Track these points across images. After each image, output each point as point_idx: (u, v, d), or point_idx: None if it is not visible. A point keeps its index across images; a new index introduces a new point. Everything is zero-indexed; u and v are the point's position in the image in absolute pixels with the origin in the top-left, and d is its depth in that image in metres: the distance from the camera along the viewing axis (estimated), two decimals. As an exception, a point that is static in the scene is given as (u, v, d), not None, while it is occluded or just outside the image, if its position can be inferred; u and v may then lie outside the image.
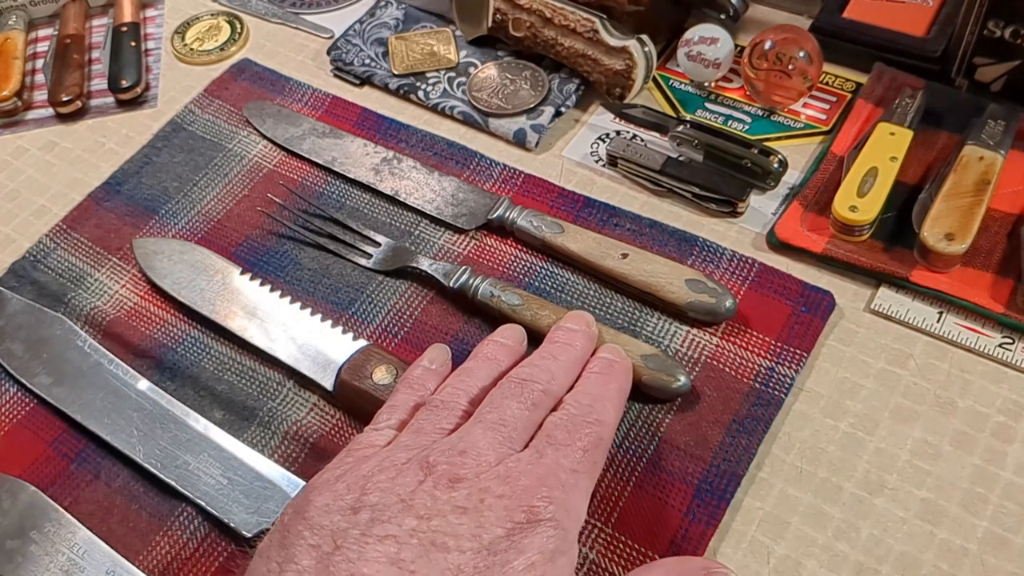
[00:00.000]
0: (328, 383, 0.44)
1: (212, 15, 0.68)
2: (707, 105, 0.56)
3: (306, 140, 0.57)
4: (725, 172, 0.51)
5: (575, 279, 0.49)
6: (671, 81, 0.58)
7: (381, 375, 0.43)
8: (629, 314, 0.47)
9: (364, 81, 0.61)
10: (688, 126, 0.52)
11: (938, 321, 0.45)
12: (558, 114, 0.56)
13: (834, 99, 0.55)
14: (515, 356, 0.41)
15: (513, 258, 0.50)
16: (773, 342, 0.45)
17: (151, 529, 0.42)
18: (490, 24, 0.59)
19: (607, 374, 0.39)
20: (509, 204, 0.51)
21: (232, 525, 0.40)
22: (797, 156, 0.53)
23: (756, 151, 0.50)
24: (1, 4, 0.69)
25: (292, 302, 0.48)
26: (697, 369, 0.44)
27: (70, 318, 0.50)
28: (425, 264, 0.49)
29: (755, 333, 0.45)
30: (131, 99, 0.63)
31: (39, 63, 0.67)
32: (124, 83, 0.62)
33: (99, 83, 0.64)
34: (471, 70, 0.59)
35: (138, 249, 0.52)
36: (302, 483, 0.41)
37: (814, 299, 0.46)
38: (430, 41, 0.62)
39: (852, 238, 0.47)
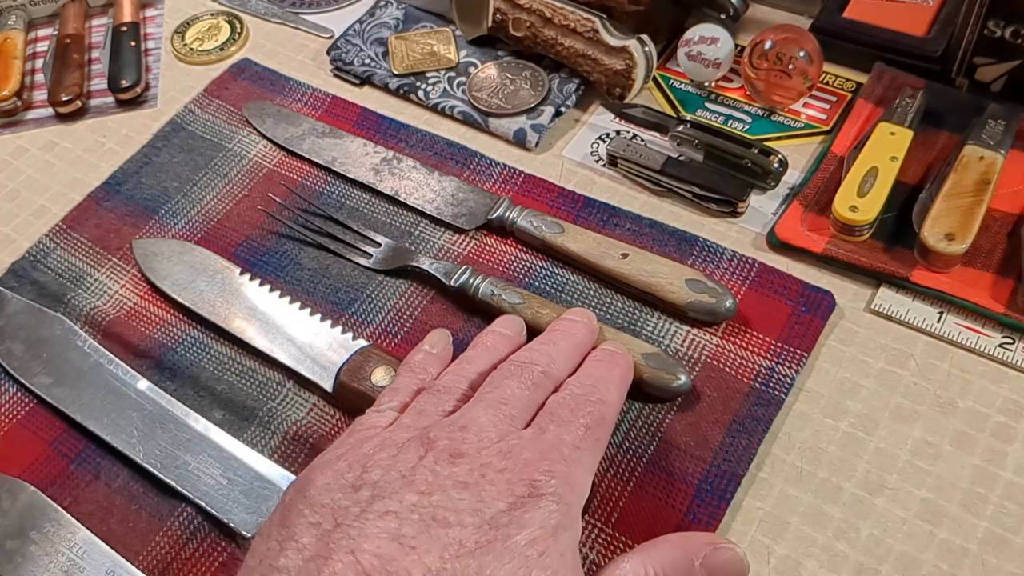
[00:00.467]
0: (327, 384, 0.44)
1: (212, 15, 0.68)
2: (707, 105, 0.56)
3: (306, 140, 0.57)
4: (725, 172, 0.51)
5: (575, 279, 0.49)
6: (671, 81, 0.58)
7: (380, 376, 0.43)
8: (629, 314, 0.47)
9: (364, 81, 0.61)
10: (688, 126, 0.52)
11: (938, 321, 0.45)
12: (558, 114, 0.56)
13: (834, 99, 0.55)
14: (515, 346, 0.41)
15: (513, 258, 0.50)
16: (773, 342, 0.44)
17: (151, 529, 0.42)
18: (490, 24, 0.59)
19: (609, 361, 0.39)
20: (509, 204, 0.51)
21: (232, 525, 0.40)
22: (797, 156, 0.53)
23: (756, 151, 0.50)
24: (1, 4, 0.69)
25: (292, 302, 0.48)
26: (697, 369, 0.44)
27: (70, 318, 0.50)
28: (426, 263, 0.49)
29: (755, 333, 0.45)
30: (131, 99, 0.63)
31: (39, 63, 0.67)
32: (124, 83, 0.62)
33: (99, 83, 0.64)
34: (471, 70, 0.59)
35: (138, 250, 0.52)
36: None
37: (814, 299, 0.46)
38: (430, 41, 0.62)
39: (852, 238, 0.47)
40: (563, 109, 0.56)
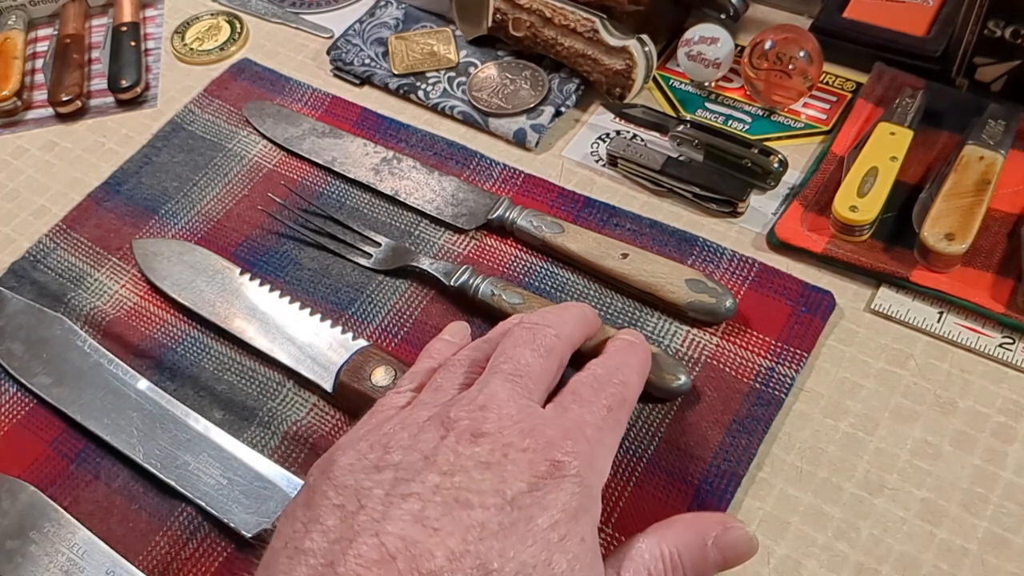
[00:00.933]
0: (327, 384, 0.44)
1: (212, 15, 0.68)
2: (707, 105, 0.56)
3: (306, 140, 0.57)
4: (725, 172, 0.51)
5: (575, 279, 0.49)
6: (671, 81, 0.58)
7: (380, 376, 0.43)
8: (629, 314, 0.47)
9: (364, 81, 0.61)
10: (688, 126, 0.52)
11: (938, 321, 0.45)
12: (558, 114, 0.56)
13: (834, 99, 0.55)
14: None
15: (513, 258, 0.50)
16: (773, 342, 0.44)
17: (151, 529, 0.42)
18: (490, 24, 0.59)
19: (630, 348, 0.40)
20: (509, 204, 0.51)
21: (232, 525, 0.40)
22: (797, 156, 0.53)
23: (756, 151, 0.50)
24: (1, 4, 0.69)
25: (292, 302, 0.48)
26: (697, 369, 0.44)
27: (70, 318, 0.50)
28: (425, 263, 0.49)
29: (755, 333, 0.45)
30: (131, 99, 0.63)
31: (39, 63, 0.67)
32: (124, 83, 0.62)
33: (99, 83, 0.64)
34: (471, 70, 0.59)
35: (138, 250, 0.52)
36: (302, 483, 0.41)
37: (814, 299, 0.46)
38: (430, 41, 0.62)
39: (852, 238, 0.47)
40: (563, 109, 0.56)
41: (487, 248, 0.51)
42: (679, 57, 0.56)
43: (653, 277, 0.46)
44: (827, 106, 0.55)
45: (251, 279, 0.49)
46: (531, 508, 0.30)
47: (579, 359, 0.41)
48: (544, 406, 0.35)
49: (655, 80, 0.58)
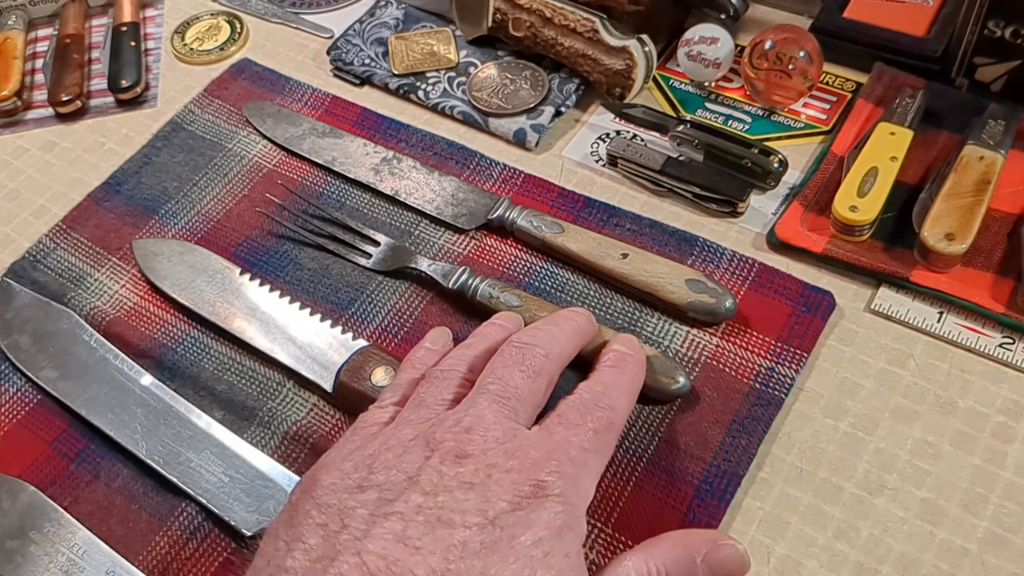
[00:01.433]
0: (327, 384, 0.44)
1: (212, 15, 0.68)
2: (707, 105, 0.56)
3: (306, 140, 0.57)
4: (725, 172, 0.51)
5: (575, 279, 0.49)
6: (671, 81, 0.58)
7: (380, 376, 0.43)
8: (629, 314, 0.47)
9: (364, 81, 0.61)
10: (688, 126, 0.52)
11: (938, 321, 0.45)
12: (558, 114, 0.56)
13: (834, 99, 0.55)
14: None
15: (513, 258, 0.50)
16: (773, 342, 0.44)
17: (151, 529, 0.42)
18: (490, 24, 0.59)
19: (620, 367, 0.39)
20: (509, 204, 0.51)
21: (232, 523, 0.41)
22: (797, 156, 0.53)
23: (756, 151, 0.50)
24: (1, 4, 0.69)
25: (292, 302, 0.48)
26: (697, 369, 0.44)
27: (70, 318, 0.50)
28: (424, 264, 0.49)
29: (755, 333, 0.45)
30: (131, 99, 0.63)
31: (39, 63, 0.67)
32: (124, 83, 0.62)
33: (99, 83, 0.64)
34: (471, 70, 0.59)
35: (138, 250, 0.52)
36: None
37: (814, 299, 0.46)
38: (430, 41, 0.62)
39: (852, 238, 0.47)
40: (563, 109, 0.56)
41: (487, 248, 0.51)
42: (679, 57, 0.56)
43: (653, 277, 0.46)
44: (827, 106, 0.55)
45: (251, 279, 0.49)
46: (514, 527, 0.30)
47: (576, 361, 0.41)
48: (531, 427, 0.35)
49: (655, 80, 0.58)
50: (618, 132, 0.56)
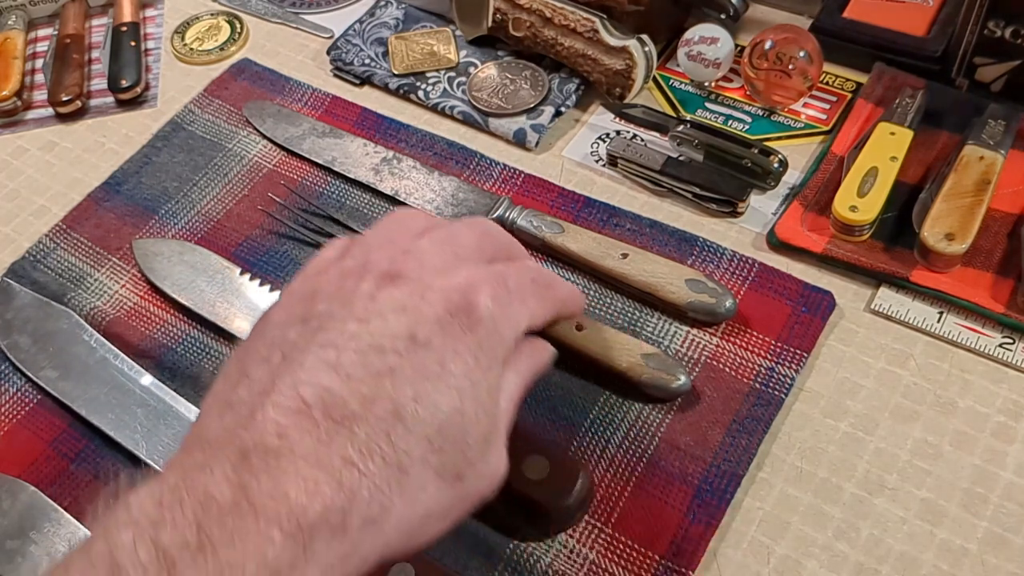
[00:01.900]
0: (328, 383, 0.44)
1: (212, 15, 0.68)
2: (707, 105, 0.56)
3: (306, 140, 0.57)
4: (725, 172, 0.51)
5: (575, 279, 0.49)
6: (671, 81, 0.58)
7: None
8: (629, 314, 0.47)
9: (364, 81, 0.61)
10: (688, 126, 0.52)
11: (938, 321, 0.45)
12: (558, 114, 0.56)
13: (834, 99, 0.55)
14: None
15: (513, 258, 0.50)
16: (773, 342, 0.44)
17: (151, 529, 0.42)
18: (490, 24, 0.59)
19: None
20: (509, 204, 0.51)
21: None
22: (797, 156, 0.53)
23: (756, 151, 0.50)
24: (1, 4, 0.69)
25: (292, 302, 0.48)
26: (697, 369, 0.44)
27: (70, 318, 0.50)
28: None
29: (755, 333, 0.45)
30: (131, 99, 0.63)
31: (39, 63, 0.67)
32: (124, 83, 0.62)
33: (99, 83, 0.64)
34: (471, 70, 0.59)
35: (138, 250, 0.52)
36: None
37: (814, 299, 0.46)
38: (430, 41, 0.62)
39: (852, 238, 0.47)
40: (563, 109, 0.56)
41: (487, 248, 0.51)
42: (679, 57, 0.56)
43: (653, 277, 0.46)
44: (827, 106, 0.55)
45: (251, 279, 0.49)
46: (443, 351, 0.30)
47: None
48: None
49: (655, 80, 0.58)
50: (618, 132, 0.56)
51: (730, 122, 0.55)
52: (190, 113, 0.60)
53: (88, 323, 0.50)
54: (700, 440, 0.42)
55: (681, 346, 0.45)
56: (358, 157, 0.56)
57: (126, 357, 0.47)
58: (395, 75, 0.60)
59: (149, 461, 0.43)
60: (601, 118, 0.57)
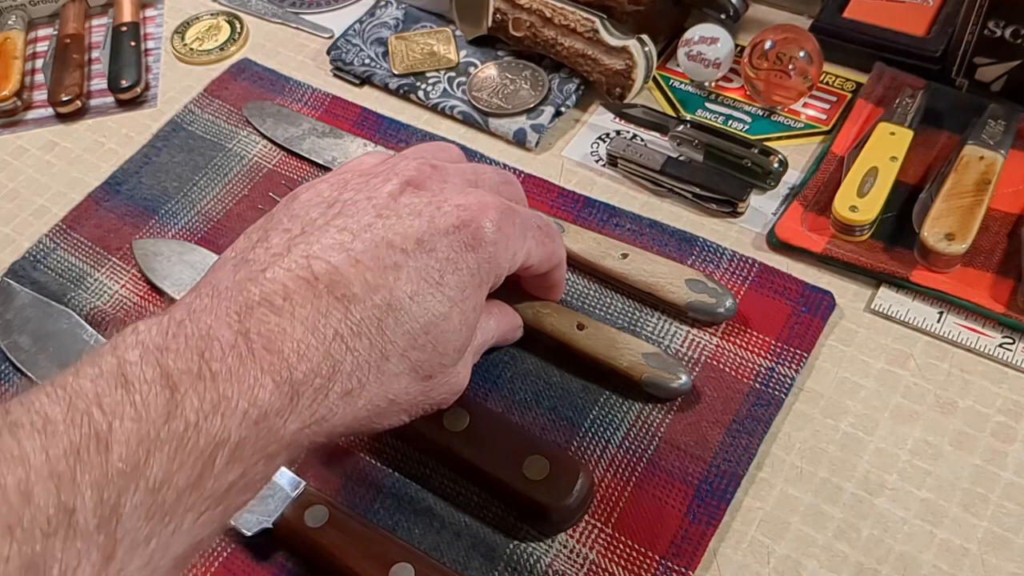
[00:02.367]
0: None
1: (212, 15, 0.68)
2: (707, 105, 0.56)
3: (306, 140, 0.57)
4: (725, 172, 0.51)
5: (575, 279, 0.49)
6: (671, 81, 0.58)
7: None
8: (629, 314, 0.47)
9: (364, 81, 0.61)
10: (688, 126, 0.52)
11: (938, 321, 0.45)
12: (558, 114, 0.56)
13: (834, 99, 0.55)
14: None
15: (513, 258, 0.50)
16: (773, 342, 0.44)
17: (151, 529, 0.42)
18: (490, 24, 0.59)
19: None
20: (509, 204, 0.51)
21: (232, 523, 0.40)
22: (797, 156, 0.53)
23: (756, 151, 0.50)
24: (1, 4, 0.69)
25: (292, 302, 0.48)
26: (697, 369, 0.44)
27: (70, 318, 0.50)
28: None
29: (755, 333, 0.45)
30: (131, 99, 0.63)
31: (39, 63, 0.67)
32: (124, 83, 0.62)
33: (99, 83, 0.64)
34: (471, 70, 0.59)
35: (138, 250, 0.52)
36: (303, 482, 0.41)
37: (814, 299, 0.46)
38: (430, 41, 0.62)
39: (852, 238, 0.47)
40: (563, 109, 0.56)
41: (487, 248, 0.51)
42: (679, 57, 0.56)
43: (653, 277, 0.46)
44: (827, 106, 0.55)
45: (251, 279, 0.49)
46: (445, 261, 0.34)
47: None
48: None
49: (655, 80, 0.58)
50: (618, 132, 0.56)
51: (730, 122, 0.55)
52: (190, 113, 0.60)
53: (88, 323, 0.50)
54: (700, 440, 0.42)
55: (681, 346, 0.45)
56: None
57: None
58: (395, 75, 0.60)
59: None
60: (601, 118, 0.57)
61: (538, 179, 0.53)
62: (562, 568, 0.39)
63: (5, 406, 0.27)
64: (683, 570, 0.38)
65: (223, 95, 0.61)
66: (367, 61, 0.61)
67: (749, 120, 0.55)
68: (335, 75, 0.62)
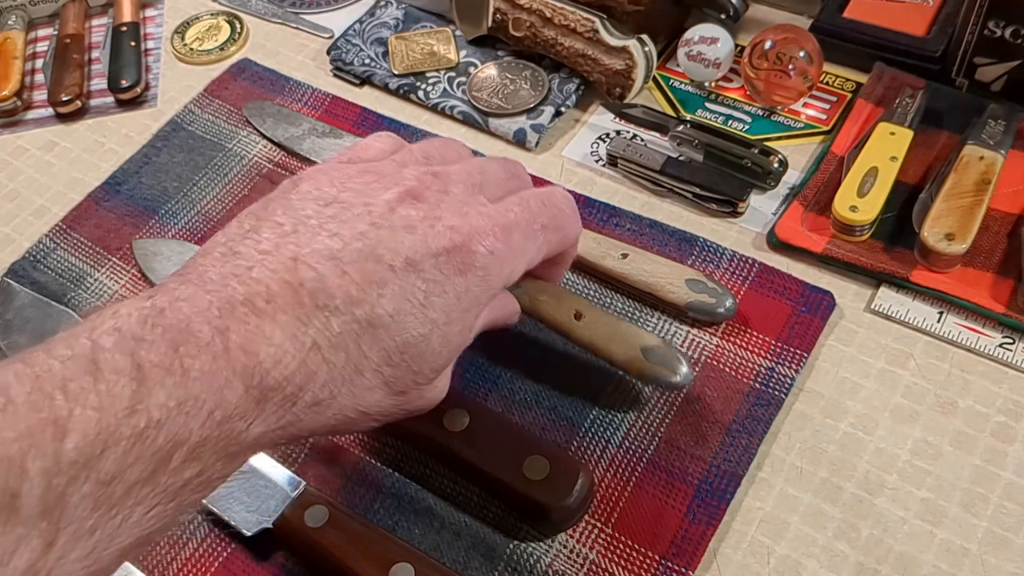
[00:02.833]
0: (328, 383, 0.44)
1: (212, 15, 0.68)
2: (707, 105, 0.56)
3: (306, 140, 0.57)
4: (725, 172, 0.51)
5: (575, 279, 0.49)
6: (671, 81, 0.58)
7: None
8: (629, 314, 0.47)
9: (364, 81, 0.61)
10: (688, 126, 0.52)
11: (938, 321, 0.45)
12: (558, 114, 0.56)
13: (834, 99, 0.55)
14: None
15: (513, 258, 0.50)
16: (773, 342, 0.44)
17: (151, 529, 0.42)
18: (490, 24, 0.59)
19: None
20: (509, 204, 0.51)
21: (232, 523, 0.40)
22: (797, 156, 0.53)
23: (756, 151, 0.50)
24: (1, 4, 0.69)
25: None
26: (697, 369, 0.44)
27: (70, 318, 0.50)
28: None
29: (755, 333, 0.45)
30: (131, 99, 0.63)
31: (39, 63, 0.67)
32: (124, 83, 0.62)
33: (99, 83, 0.64)
34: (471, 70, 0.59)
35: (138, 250, 0.52)
36: (303, 482, 0.41)
37: (814, 299, 0.46)
38: (430, 41, 0.62)
39: (852, 238, 0.47)
40: (563, 109, 0.56)
41: (487, 248, 0.51)
42: (679, 57, 0.56)
43: (653, 277, 0.46)
44: (827, 106, 0.55)
45: (251, 279, 0.49)
46: (432, 283, 0.33)
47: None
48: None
49: (655, 80, 0.58)
50: (618, 132, 0.56)
51: (730, 122, 0.55)
52: (190, 113, 0.60)
53: (88, 323, 0.50)
54: (700, 440, 0.42)
55: (681, 346, 0.45)
56: (358, 157, 0.56)
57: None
58: (395, 75, 0.60)
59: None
60: (601, 118, 0.57)
61: (538, 179, 0.53)
62: (562, 568, 0.39)
63: None
64: (683, 570, 0.38)
65: (223, 95, 0.61)
66: (367, 61, 0.61)
67: (749, 120, 0.55)
68: (335, 75, 0.62)
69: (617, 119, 0.57)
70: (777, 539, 0.39)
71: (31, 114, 0.64)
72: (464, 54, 0.61)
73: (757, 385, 0.43)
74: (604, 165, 0.54)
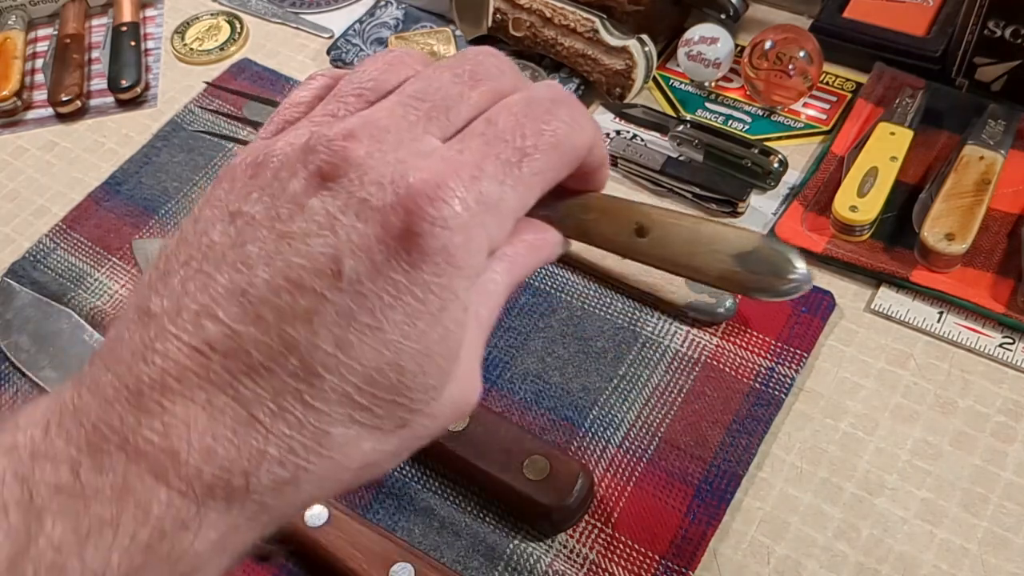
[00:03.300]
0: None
1: (212, 15, 0.68)
2: (707, 105, 0.56)
3: (306, 140, 0.57)
4: (725, 172, 0.51)
5: (575, 279, 0.49)
6: (671, 81, 0.58)
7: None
8: (629, 314, 0.47)
9: (364, 81, 0.61)
10: (688, 126, 0.52)
11: (938, 321, 0.45)
12: (558, 114, 0.56)
13: (834, 99, 0.55)
14: None
15: (513, 258, 0.50)
16: (773, 342, 0.44)
17: (151, 529, 0.42)
18: (490, 24, 0.59)
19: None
20: (509, 204, 0.51)
21: (232, 525, 0.40)
22: (797, 156, 0.53)
23: (756, 151, 0.50)
24: (1, 4, 0.69)
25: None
26: (697, 369, 0.44)
27: (70, 318, 0.50)
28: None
29: (755, 333, 0.45)
30: (131, 99, 0.63)
31: (39, 63, 0.67)
32: (124, 83, 0.62)
33: (99, 83, 0.64)
34: (471, 70, 0.59)
35: (138, 250, 0.52)
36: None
37: (814, 299, 0.46)
38: (430, 41, 0.62)
39: (852, 238, 0.47)
40: (563, 109, 0.56)
41: (487, 248, 0.51)
42: (679, 57, 0.56)
43: (653, 277, 0.46)
44: (827, 106, 0.55)
45: (251, 279, 0.49)
46: (375, 296, 0.23)
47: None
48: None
49: (655, 80, 0.58)
50: (618, 132, 0.56)
51: (730, 122, 0.55)
52: (190, 113, 0.60)
53: (88, 323, 0.50)
54: (700, 440, 0.42)
55: (681, 346, 0.45)
56: (358, 157, 0.56)
57: (126, 357, 0.47)
58: (395, 75, 0.60)
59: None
60: (601, 118, 0.57)
61: (538, 179, 0.53)
62: (562, 568, 0.39)
63: None
64: (683, 570, 0.38)
65: (223, 95, 0.61)
66: (367, 61, 0.61)
67: (749, 120, 0.55)
68: (335, 75, 0.62)
69: (617, 119, 0.57)
70: (777, 539, 0.39)
71: (31, 114, 0.64)
72: (464, 54, 0.61)
73: (757, 385, 0.43)
74: (604, 165, 0.54)
